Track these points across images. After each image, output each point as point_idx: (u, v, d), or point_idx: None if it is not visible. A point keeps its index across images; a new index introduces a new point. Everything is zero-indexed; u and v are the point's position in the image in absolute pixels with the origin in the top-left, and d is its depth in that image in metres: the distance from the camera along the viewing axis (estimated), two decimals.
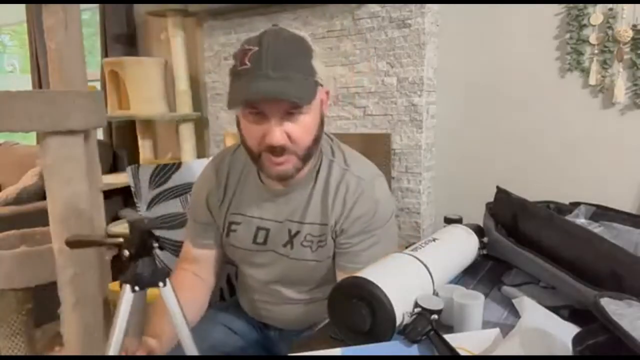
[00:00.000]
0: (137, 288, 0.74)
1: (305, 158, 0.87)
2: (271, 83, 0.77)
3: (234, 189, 0.99)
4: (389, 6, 1.85)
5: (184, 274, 1.02)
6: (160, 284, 0.76)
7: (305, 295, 1.00)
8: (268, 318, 1.08)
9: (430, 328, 0.67)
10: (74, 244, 0.81)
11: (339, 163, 0.94)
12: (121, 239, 0.74)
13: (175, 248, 1.18)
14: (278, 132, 0.81)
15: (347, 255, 0.93)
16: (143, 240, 0.73)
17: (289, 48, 0.81)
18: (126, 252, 0.73)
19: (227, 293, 1.29)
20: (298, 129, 0.83)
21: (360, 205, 0.91)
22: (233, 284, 1.30)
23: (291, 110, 0.81)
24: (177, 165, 1.22)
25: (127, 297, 0.75)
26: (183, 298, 0.80)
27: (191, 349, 0.79)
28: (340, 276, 0.91)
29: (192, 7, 2.27)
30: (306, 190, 0.94)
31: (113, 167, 2.85)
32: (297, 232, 0.94)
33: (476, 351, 0.68)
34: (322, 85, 0.86)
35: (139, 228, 0.72)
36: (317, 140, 0.88)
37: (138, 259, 0.74)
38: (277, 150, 0.82)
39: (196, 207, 1.03)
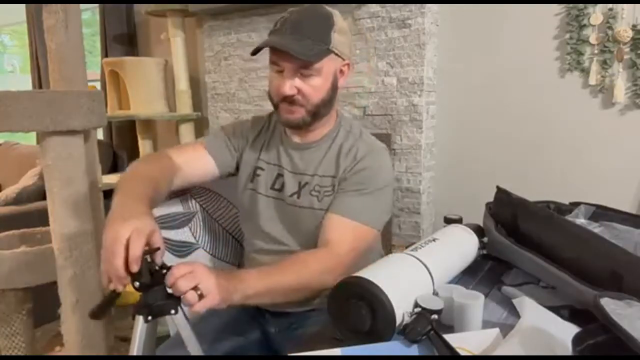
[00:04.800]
0: (149, 318, 0.75)
1: (314, 114, 1.00)
2: (281, 38, 0.94)
3: (264, 140, 1.12)
4: (389, 6, 1.85)
5: (168, 160, 1.03)
6: (172, 311, 0.77)
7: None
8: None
9: (430, 328, 0.67)
10: (98, 315, 0.80)
11: (354, 134, 1.08)
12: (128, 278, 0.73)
13: (176, 248, 1.18)
14: (288, 85, 0.96)
15: (336, 199, 1.01)
16: (150, 271, 0.73)
17: (310, 17, 0.96)
18: (136, 284, 0.73)
19: None
20: (307, 87, 0.97)
21: (365, 161, 1.02)
22: None
23: (303, 70, 0.95)
24: None
25: (140, 328, 0.76)
26: (152, 173, 0.93)
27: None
28: (324, 220, 1.00)
29: (192, 7, 2.28)
30: (322, 150, 1.06)
31: (113, 167, 2.85)
32: (306, 184, 1.05)
33: (476, 351, 0.68)
34: (338, 56, 0.99)
35: (145, 259, 0.72)
36: (326, 102, 1.01)
37: (149, 289, 0.74)
38: (289, 101, 0.98)
39: (235, 129, 1.14)
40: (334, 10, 1.00)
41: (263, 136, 1.13)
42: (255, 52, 0.98)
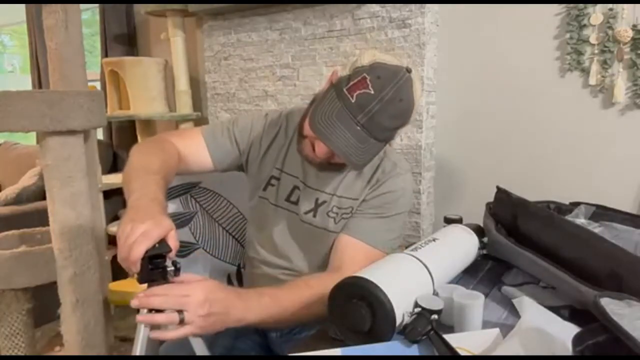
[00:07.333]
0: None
1: (339, 164, 0.95)
2: (349, 139, 0.83)
3: (281, 145, 1.05)
4: (389, 6, 1.85)
5: (171, 146, 1.00)
6: None
7: (317, 272, 1.00)
8: None
9: (430, 328, 0.67)
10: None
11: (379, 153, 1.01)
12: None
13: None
14: (324, 152, 0.89)
15: (352, 220, 0.97)
16: (153, 267, 0.72)
17: (392, 113, 0.85)
18: (139, 278, 0.73)
19: None
20: (341, 159, 0.89)
21: (388, 184, 0.98)
22: (234, 284, 1.31)
23: None
24: None
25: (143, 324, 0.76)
26: (161, 163, 0.87)
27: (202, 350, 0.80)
28: (337, 241, 0.97)
29: (192, 7, 2.27)
30: (344, 169, 0.99)
31: (113, 167, 2.85)
32: (324, 202, 1.00)
33: (476, 351, 0.68)
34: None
35: (147, 259, 0.71)
36: None
37: (153, 285, 0.73)
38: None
39: (245, 125, 1.06)
40: (417, 90, 0.89)
41: (280, 140, 1.05)
42: (311, 127, 0.86)
